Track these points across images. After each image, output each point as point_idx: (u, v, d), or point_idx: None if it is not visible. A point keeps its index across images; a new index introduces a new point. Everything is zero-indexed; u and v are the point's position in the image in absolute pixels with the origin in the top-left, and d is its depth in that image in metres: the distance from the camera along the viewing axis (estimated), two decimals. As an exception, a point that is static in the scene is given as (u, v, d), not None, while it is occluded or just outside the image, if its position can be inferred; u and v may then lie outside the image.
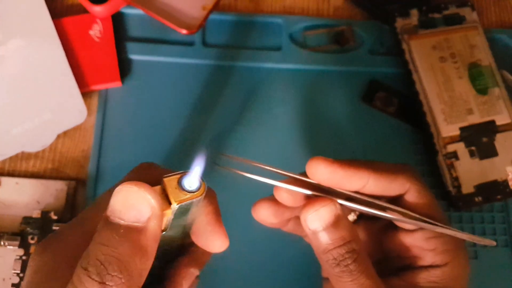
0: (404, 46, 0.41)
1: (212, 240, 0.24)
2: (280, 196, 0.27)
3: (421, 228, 0.27)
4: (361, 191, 0.26)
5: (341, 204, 0.25)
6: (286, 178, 0.26)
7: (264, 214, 0.28)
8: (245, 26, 0.43)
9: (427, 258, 0.27)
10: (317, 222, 0.25)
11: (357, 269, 0.24)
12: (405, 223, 0.27)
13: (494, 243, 0.27)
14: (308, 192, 0.25)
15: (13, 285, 0.33)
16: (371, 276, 0.25)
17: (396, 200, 0.27)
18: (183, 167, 0.39)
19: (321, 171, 0.25)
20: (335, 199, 0.25)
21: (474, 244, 0.38)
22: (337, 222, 0.25)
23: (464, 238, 0.27)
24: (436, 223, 0.26)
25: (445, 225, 0.26)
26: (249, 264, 0.36)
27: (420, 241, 0.27)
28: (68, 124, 0.38)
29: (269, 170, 0.25)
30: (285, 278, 0.36)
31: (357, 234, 0.26)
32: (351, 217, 0.29)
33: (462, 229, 0.38)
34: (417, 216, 0.26)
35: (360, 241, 0.25)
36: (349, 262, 0.24)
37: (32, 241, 0.34)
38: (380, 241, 0.30)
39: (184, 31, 0.37)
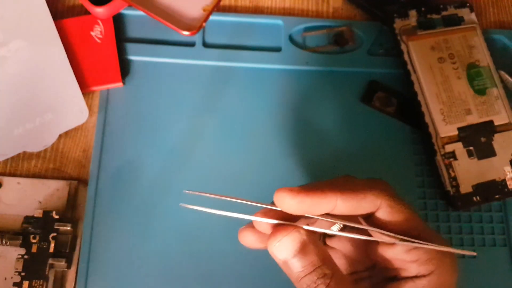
0: (403, 46, 0.41)
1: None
2: (257, 226, 0.27)
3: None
4: (332, 213, 0.26)
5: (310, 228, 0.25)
6: (263, 207, 0.26)
7: (248, 241, 0.28)
8: (245, 27, 0.43)
9: (411, 270, 0.27)
10: (283, 252, 0.25)
11: None
12: (382, 239, 0.27)
13: (475, 253, 0.27)
14: (273, 221, 0.25)
15: (14, 284, 0.33)
16: None
17: (371, 218, 0.27)
18: (183, 167, 0.40)
19: (288, 202, 0.25)
20: (299, 225, 0.25)
21: (473, 243, 0.38)
22: (304, 248, 0.25)
23: (443, 250, 0.26)
24: (410, 239, 0.25)
25: (427, 234, 0.26)
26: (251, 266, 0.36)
27: (401, 254, 0.27)
28: (69, 124, 0.38)
29: (240, 202, 0.25)
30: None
31: (329, 256, 0.25)
32: (336, 227, 0.28)
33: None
34: (389, 234, 0.26)
35: (332, 262, 0.25)
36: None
37: (33, 241, 0.34)
38: (366, 250, 0.30)
39: (184, 32, 0.37)
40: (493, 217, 0.39)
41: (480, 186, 0.38)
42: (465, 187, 0.38)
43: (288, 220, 0.25)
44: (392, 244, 0.27)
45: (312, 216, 0.26)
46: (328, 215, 0.26)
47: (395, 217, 0.26)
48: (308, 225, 0.25)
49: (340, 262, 0.30)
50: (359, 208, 0.26)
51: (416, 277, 0.27)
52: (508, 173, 0.39)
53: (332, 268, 0.25)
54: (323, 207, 0.26)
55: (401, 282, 0.27)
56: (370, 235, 0.27)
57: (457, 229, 0.39)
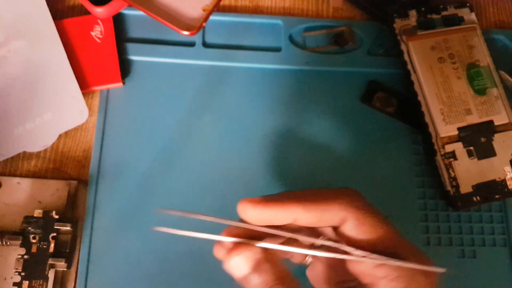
0: (403, 46, 0.41)
1: None
2: (222, 243, 0.27)
3: None
4: (295, 223, 0.26)
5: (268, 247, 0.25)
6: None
7: (219, 255, 0.28)
8: (245, 27, 0.43)
9: (381, 286, 0.25)
10: (237, 270, 0.25)
11: None
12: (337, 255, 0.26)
13: (444, 270, 0.26)
14: (231, 239, 0.26)
15: (14, 284, 0.33)
16: None
17: (339, 230, 0.27)
18: (183, 167, 0.40)
19: (249, 213, 0.26)
20: (253, 243, 0.25)
21: (472, 243, 0.38)
22: (258, 267, 0.25)
23: (411, 267, 0.25)
24: (373, 256, 0.25)
25: (402, 249, 0.25)
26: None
27: (369, 269, 0.26)
28: (69, 124, 0.38)
29: (210, 219, 0.25)
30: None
31: (285, 274, 0.25)
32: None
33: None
34: (345, 249, 0.25)
35: (288, 281, 0.25)
36: None
37: (33, 241, 0.34)
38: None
39: (184, 32, 0.37)
40: (493, 217, 0.39)
41: (480, 186, 0.38)
42: (465, 187, 0.38)
43: (254, 238, 0.25)
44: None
45: (279, 234, 0.26)
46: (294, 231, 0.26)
47: (362, 230, 0.26)
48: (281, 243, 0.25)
49: (326, 271, 0.29)
50: (322, 220, 0.26)
51: None
52: (508, 173, 0.39)
53: (288, 285, 0.25)
54: (283, 218, 0.26)
55: None
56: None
57: (457, 229, 0.39)
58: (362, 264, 0.26)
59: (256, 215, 0.26)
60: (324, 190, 0.27)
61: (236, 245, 0.25)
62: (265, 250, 0.25)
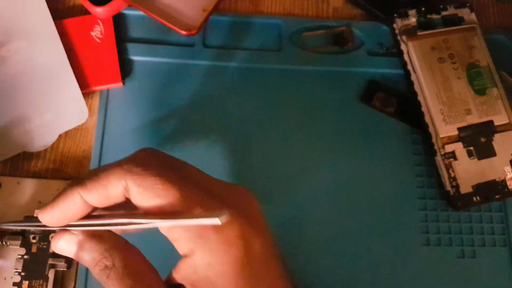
0: (403, 46, 0.41)
1: None
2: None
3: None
4: (99, 207, 0.26)
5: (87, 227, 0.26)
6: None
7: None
8: (245, 27, 0.43)
9: (179, 250, 0.25)
10: (65, 252, 0.26)
11: (114, 283, 0.25)
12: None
13: (219, 222, 0.22)
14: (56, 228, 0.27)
15: (14, 284, 0.33)
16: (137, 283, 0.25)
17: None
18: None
19: (44, 220, 0.26)
20: (70, 229, 0.26)
21: (472, 244, 0.38)
22: (82, 246, 0.26)
23: (189, 223, 0.24)
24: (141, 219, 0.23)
25: (200, 206, 0.24)
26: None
27: (165, 231, 0.25)
28: (69, 124, 0.38)
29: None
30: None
31: (116, 243, 0.26)
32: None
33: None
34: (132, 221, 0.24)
35: (116, 254, 0.25)
36: (104, 279, 0.25)
37: (33, 241, 0.34)
38: None
39: (184, 33, 0.37)
40: (493, 217, 0.39)
41: (480, 186, 0.38)
42: (465, 187, 0.38)
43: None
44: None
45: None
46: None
47: (146, 196, 0.24)
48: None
49: None
50: (111, 196, 0.25)
51: (186, 256, 0.25)
52: (508, 173, 0.39)
53: (113, 259, 0.25)
54: (74, 210, 0.26)
55: (179, 262, 0.25)
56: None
57: (457, 229, 0.39)
58: (163, 229, 0.25)
59: (49, 219, 0.26)
60: (100, 169, 0.26)
61: (61, 230, 0.27)
62: (88, 230, 0.26)
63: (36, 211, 0.34)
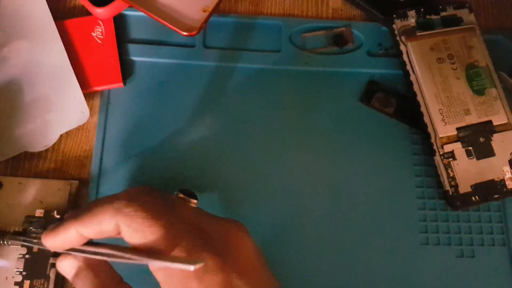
0: (402, 47, 0.41)
1: None
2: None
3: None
4: (90, 238, 0.27)
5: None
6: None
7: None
8: (245, 28, 0.43)
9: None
10: (64, 273, 0.29)
11: None
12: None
13: (192, 267, 0.23)
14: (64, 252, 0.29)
15: (16, 283, 0.33)
16: None
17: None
18: (183, 167, 0.40)
19: (46, 244, 0.28)
20: (74, 254, 0.28)
21: (471, 243, 0.39)
22: (78, 273, 0.28)
23: (164, 266, 0.25)
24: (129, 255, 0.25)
25: (174, 249, 0.25)
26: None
27: (152, 270, 0.26)
28: (70, 125, 0.38)
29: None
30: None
31: (110, 280, 0.28)
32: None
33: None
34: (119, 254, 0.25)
35: (114, 285, 0.27)
36: None
37: (34, 240, 0.34)
38: None
39: (185, 33, 0.37)
40: (492, 217, 0.39)
41: (479, 186, 0.38)
42: (464, 187, 0.38)
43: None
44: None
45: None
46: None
47: (135, 237, 0.25)
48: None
49: None
50: (104, 232, 0.26)
51: None
52: (507, 173, 0.39)
53: None
54: (72, 241, 0.27)
55: None
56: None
57: (456, 228, 0.39)
58: (151, 268, 0.26)
59: (50, 244, 0.28)
60: (101, 200, 0.27)
61: (66, 253, 0.29)
62: (89, 258, 0.28)
63: (37, 210, 0.34)
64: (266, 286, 0.27)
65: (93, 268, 0.28)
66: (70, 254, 0.28)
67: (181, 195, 0.33)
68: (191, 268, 0.23)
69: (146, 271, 0.27)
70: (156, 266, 0.25)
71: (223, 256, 0.26)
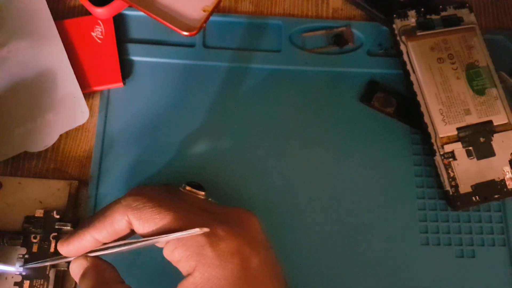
0: (402, 47, 0.41)
1: None
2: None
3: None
4: (105, 242, 0.29)
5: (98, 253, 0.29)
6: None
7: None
8: (245, 28, 0.43)
9: (182, 270, 0.27)
10: (73, 275, 0.30)
11: None
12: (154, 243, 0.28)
13: (204, 230, 0.25)
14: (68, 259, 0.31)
15: (15, 283, 0.33)
16: None
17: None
18: (183, 167, 0.40)
19: (62, 251, 0.30)
20: (86, 254, 0.30)
21: (472, 243, 0.39)
22: (84, 273, 0.29)
23: (172, 237, 0.26)
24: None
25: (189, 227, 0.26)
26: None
27: (168, 256, 0.27)
28: (70, 125, 0.38)
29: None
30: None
31: (112, 279, 0.29)
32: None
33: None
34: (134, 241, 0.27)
35: (115, 285, 0.28)
36: None
37: (34, 240, 0.34)
38: None
39: (184, 33, 0.37)
40: (492, 217, 0.39)
41: (479, 186, 0.38)
42: (464, 187, 0.38)
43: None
44: (163, 248, 0.28)
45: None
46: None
47: (147, 226, 0.27)
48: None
49: None
50: (118, 231, 0.28)
51: (189, 275, 0.26)
52: (507, 173, 0.39)
53: None
54: (86, 246, 0.29)
55: (182, 282, 0.27)
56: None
57: (456, 229, 0.39)
58: (164, 252, 0.27)
59: (66, 252, 0.30)
60: (109, 204, 0.29)
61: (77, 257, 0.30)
62: (93, 258, 0.30)
63: (37, 210, 0.35)
64: (274, 264, 0.29)
65: (98, 268, 0.29)
66: (84, 255, 0.30)
67: (188, 188, 0.33)
68: (198, 231, 0.25)
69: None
70: (170, 246, 0.26)
71: (235, 229, 0.27)
